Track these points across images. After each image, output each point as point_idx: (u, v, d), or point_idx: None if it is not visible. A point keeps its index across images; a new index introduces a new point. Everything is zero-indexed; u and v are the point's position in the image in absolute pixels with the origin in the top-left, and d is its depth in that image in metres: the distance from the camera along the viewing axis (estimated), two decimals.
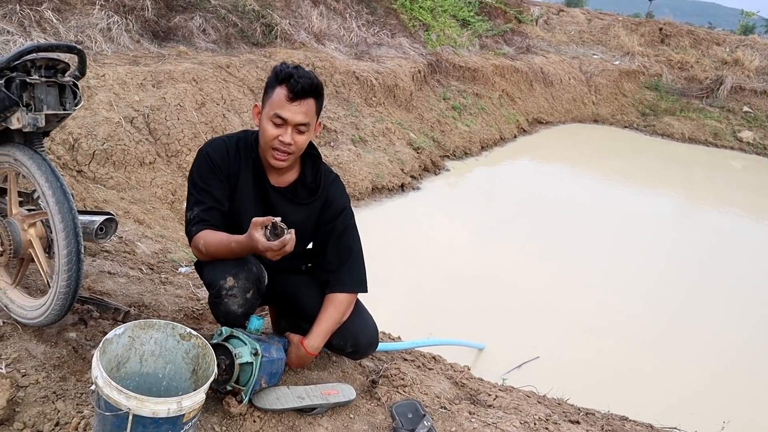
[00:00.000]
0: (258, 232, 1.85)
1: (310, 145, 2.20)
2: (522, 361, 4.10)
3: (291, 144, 2.03)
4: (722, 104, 14.30)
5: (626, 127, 13.52)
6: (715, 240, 7.52)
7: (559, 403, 2.94)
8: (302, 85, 1.99)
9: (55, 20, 6.12)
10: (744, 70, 15.47)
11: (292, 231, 1.86)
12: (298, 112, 2.01)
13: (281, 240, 1.82)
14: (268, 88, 2.06)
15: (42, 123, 2.09)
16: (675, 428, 2.83)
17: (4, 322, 2.20)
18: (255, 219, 1.88)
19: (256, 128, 2.16)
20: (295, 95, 1.99)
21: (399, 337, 3.34)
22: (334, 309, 2.19)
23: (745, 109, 14.18)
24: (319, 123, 2.18)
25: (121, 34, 6.61)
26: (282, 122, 2.01)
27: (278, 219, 1.86)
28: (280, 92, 2.00)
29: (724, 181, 11.12)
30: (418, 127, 8.98)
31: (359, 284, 2.26)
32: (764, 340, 5.01)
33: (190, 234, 2.10)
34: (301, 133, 2.04)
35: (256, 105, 2.15)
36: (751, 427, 3.16)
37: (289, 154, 2.05)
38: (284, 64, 2.06)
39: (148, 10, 7.17)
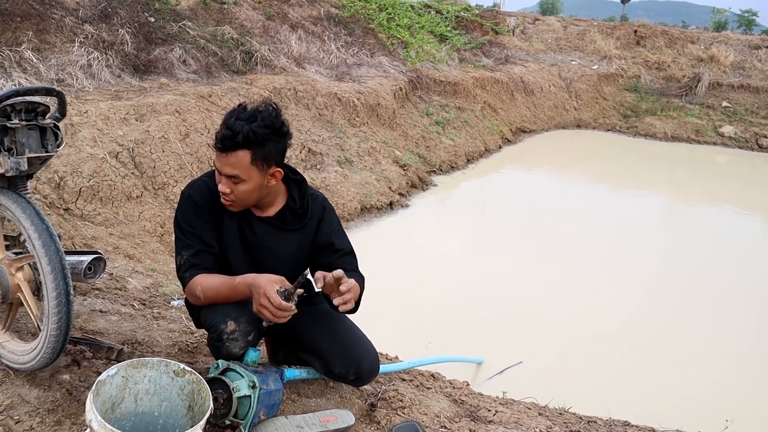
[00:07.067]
0: (271, 289, 1.84)
1: (293, 171, 2.19)
2: (504, 367, 4.09)
3: (229, 193, 1.99)
4: (701, 101, 14.48)
5: (609, 130, 13.63)
6: (707, 236, 7.55)
7: (560, 413, 2.93)
8: (224, 137, 1.91)
9: (35, 60, 6.12)
10: (720, 66, 15.68)
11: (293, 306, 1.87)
12: (226, 164, 1.94)
13: (287, 305, 1.84)
14: None
15: (24, 166, 2.09)
16: (678, 430, 2.83)
17: None
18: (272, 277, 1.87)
19: None
20: (223, 147, 1.93)
21: (396, 357, 3.33)
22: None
23: (724, 104, 14.37)
24: (276, 171, 2.03)
25: (102, 70, 6.63)
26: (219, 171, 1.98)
27: (298, 290, 1.87)
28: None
29: (709, 177, 11.23)
30: (403, 144, 9.02)
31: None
32: (765, 337, 4.99)
33: (184, 280, 2.06)
34: (236, 183, 1.97)
35: None
36: (755, 426, 3.15)
37: (232, 201, 2.02)
38: (238, 108, 1.97)
39: (127, 44, 7.20)
